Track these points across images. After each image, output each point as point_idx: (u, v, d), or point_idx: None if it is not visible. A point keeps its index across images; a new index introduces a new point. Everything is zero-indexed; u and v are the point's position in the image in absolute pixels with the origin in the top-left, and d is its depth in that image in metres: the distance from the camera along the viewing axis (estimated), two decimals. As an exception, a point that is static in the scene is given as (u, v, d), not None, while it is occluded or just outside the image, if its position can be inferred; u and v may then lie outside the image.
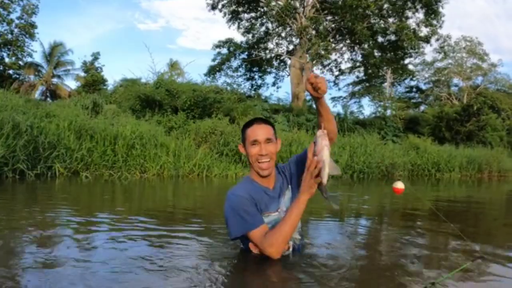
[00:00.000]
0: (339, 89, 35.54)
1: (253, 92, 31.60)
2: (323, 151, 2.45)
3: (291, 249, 2.83)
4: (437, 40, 28.86)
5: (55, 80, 36.45)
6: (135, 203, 6.21)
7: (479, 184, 15.26)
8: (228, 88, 24.00)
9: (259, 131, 2.79)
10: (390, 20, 25.33)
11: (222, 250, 3.04)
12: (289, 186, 2.94)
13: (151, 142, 10.68)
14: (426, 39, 25.50)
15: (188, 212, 5.28)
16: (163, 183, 9.23)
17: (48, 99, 33.19)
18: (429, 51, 61.70)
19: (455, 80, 49.70)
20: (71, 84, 43.38)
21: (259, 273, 2.56)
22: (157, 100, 16.05)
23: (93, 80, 33.30)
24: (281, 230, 2.56)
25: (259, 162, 2.79)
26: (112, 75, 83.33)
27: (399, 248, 3.47)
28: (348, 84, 40.51)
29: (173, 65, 33.00)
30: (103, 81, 34.45)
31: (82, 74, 36.29)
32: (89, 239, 3.31)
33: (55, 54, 35.97)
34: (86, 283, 2.22)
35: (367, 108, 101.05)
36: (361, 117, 28.56)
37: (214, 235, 3.59)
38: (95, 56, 37.37)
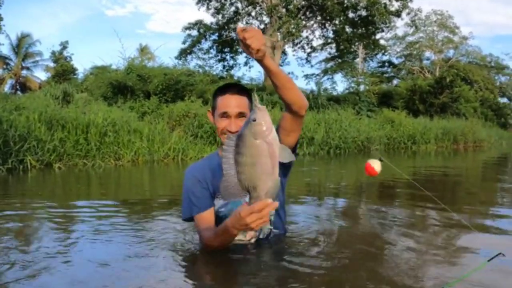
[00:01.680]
0: (312, 66, 35.54)
1: (225, 73, 31.42)
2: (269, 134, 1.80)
3: (252, 239, 2.57)
4: (408, 14, 28.93)
5: (24, 72, 35.93)
6: (111, 192, 6.17)
7: (455, 154, 15.55)
8: (200, 70, 23.80)
9: (231, 102, 2.40)
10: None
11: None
12: None
13: (124, 128, 10.57)
14: (397, 13, 25.62)
15: (164, 199, 5.23)
16: (138, 169, 9.18)
17: (19, 92, 32.60)
18: (400, 25, 61.92)
19: (427, 54, 50.24)
20: (41, 75, 42.65)
21: (238, 263, 2.42)
22: (128, 86, 15.88)
23: (63, 70, 32.72)
24: (215, 238, 2.32)
25: (225, 136, 2.40)
26: (82, 63, 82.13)
27: (387, 226, 3.43)
28: (321, 61, 40.38)
29: (143, 50, 32.70)
30: (73, 70, 33.89)
31: (52, 64, 35.71)
32: (66, 232, 3.25)
33: (23, 46, 35.41)
34: (68, 278, 2.19)
35: (340, 84, 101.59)
36: (334, 93, 28.65)
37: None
38: (64, 45, 36.75)
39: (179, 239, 2.89)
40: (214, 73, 27.51)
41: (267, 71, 2.08)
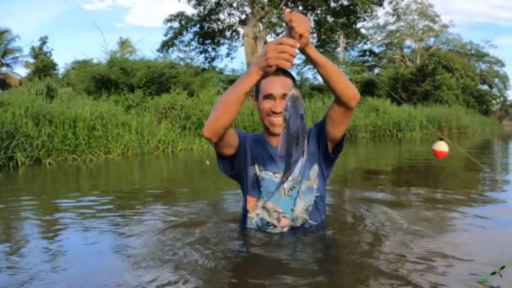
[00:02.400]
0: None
1: (207, 64, 31.29)
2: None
3: (285, 228, 2.49)
4: (390, 3, 29.07)
5: (4, 69, 35.37)
6: (101, 186, 6.06)
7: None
8: (182, 63, 23.67)
9: (276, 84, 2.36)
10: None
11: (197, 234, 2.72)
12: (304, 158, 2.46)
13: (112, 122, 10.47)
14: (379, 2, 25.74)
15: (155, 191, 5.18)
16: (129, 162, 9.12)
17: (-1, 89, 32.12)
18: (381, 14, 62.23)
19: (408, 42, 50.72)
20: (21, 71, 42.02)
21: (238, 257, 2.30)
22: (112, 79, 15.74)
23: (43, 66, 32.22)
24: (228, 90, 2.18)
25: (270, 117, 2.41)
26: (63, 58, 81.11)
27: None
28: (302, 51, 40.52)
29: (124, 43, 32.35)
30: (54, 65, 33.39)
31: (32, 60, 35.16)
32: (57, 229, 3.14)
33: (2, 42, 34.90)
34: (58, 277, 2.13)
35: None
36: (316, 83, 28.75)
37: (183, 215, 3.43)
38: (43, 41, 36.09)
39: (169, 232, 2.83)
40: (196, 65, 27.44)
41: (312, 62, 2.08)
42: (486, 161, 7.81)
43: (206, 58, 32.20)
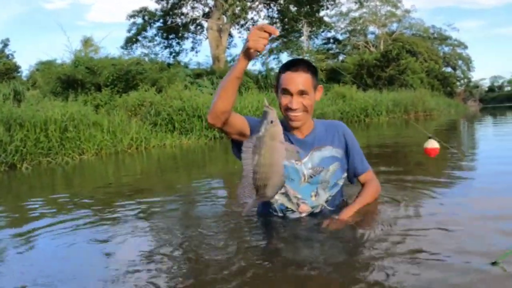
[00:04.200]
0: (257, 47, 35.45)
1: (172, 59, 31.16)
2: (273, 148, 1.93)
3: (303, 214, 2.59)
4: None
5: (-36, 74, 34.38)
6: (76, 187, 6.07)
7: (407, 124, 16.16)
8: (146, 59, 23.54)
9: (293, 80, 2.42)
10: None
11: (174, 233, 2.78)
12: (332, 146, 2.64)
13: (83, 122, 10.44)
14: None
15: (131, 191, 5.01)
16: (103, 161, 9.14)
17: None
18: (344, 2, 62.67)
19: (371, 28, 51.43)
20: (-18, 76, 40.81)
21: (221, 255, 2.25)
22: (78, 79, 15.59)
23: (5, 69, 31.50)
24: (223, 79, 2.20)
25: (287, 112, 2.49)
26: (26, 60, 79.20)
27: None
28: (266, 41, 40.59)
29: (87, 42, 31.87)
30: (16, 68, 32.71)
31: (-7, 64, 34.35)
32: (31, 234, 3.06)
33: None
34: (32, 274, 2.19)
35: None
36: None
37: (160, 213, 3.49)
38: (5, 43, 35.35)
39: (147, 228, 2.94)
40: (161, 60, 27.30)
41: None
42: (453, 142, 8.08)
43: (171, 53, 32.08)
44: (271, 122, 1.91)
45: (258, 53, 2.01)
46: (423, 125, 14.60)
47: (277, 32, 1.96)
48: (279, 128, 1.94)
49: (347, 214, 2.50)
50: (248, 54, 2.04)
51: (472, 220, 2.59)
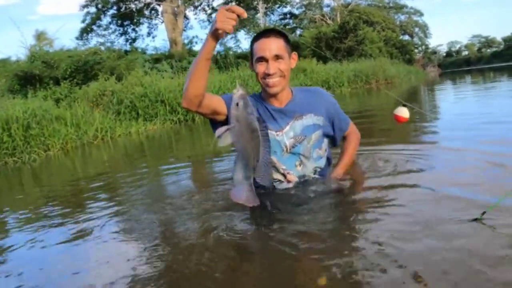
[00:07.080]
0: (214, 27, 35.25)
1: (129, 46, 30.79)
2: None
3: (290, 183, 2.63)
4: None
5: None
6: (45, 185, 5.91)
7: (369, 93, 16.45)
8: (103, 48, 23.25)
9: (267, 46, 2.42)
10: None
11: (151, 222, 2.78)
12: (313, 114, 2.63)
13: (46, 117, 10.35)
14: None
15: (100, 183, 4.89)
16: (69, 155, 9.10)
17: None
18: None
19: (327, 1, 51.44)
20: None
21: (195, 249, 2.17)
22: (35, 74, 15.43)
23: (-43, 69, 30.67)
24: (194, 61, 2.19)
25: (264, 79, 2.48)
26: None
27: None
28: (222, 21, 40.38)
29: (41, 36, 31.14)
30: (-32, 68, 31.81)
31: None
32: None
33: None
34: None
35: (244, 41, 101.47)
36: (240, 51, 28.94)
37: (132, 201, 3.49)
38: (-46, 43, 34.34)
39: (117, 222, 2.93)
40: (117, 48, 26.93)
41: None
42: (416, 105, 8.33)
43: (127, 40, 31.76)
44: (237, 104, 1.99)
45: (226, 34, 2.03)
46: (385, 93, 14.93)
47: (245, 14, 1.99)
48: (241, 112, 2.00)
49: (341, 168, 2.77)
50: (216, 35, 2.04)
51: (449, 177, 2.75)
